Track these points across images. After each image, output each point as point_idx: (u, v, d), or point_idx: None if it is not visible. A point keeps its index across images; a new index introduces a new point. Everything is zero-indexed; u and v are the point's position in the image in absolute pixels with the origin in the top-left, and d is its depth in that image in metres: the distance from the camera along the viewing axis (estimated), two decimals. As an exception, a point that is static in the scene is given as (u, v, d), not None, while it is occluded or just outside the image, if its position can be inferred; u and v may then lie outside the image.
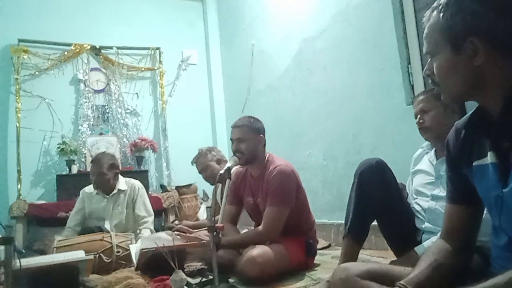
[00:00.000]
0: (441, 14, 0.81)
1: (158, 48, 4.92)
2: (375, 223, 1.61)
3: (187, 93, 5.05)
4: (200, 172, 3.06)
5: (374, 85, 2.75)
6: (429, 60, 0.88)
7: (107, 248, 2.36)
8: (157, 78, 4.96)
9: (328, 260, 2.35)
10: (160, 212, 4.12)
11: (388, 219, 1.60)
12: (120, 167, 3.15)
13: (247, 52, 4.48)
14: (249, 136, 2.18)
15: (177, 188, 4.48)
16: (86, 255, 2.07)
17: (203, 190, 4.39)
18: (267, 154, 2.25)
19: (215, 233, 1.63)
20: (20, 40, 4.30)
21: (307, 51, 3.49)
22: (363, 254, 2.07)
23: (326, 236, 3.02)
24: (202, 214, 3.39)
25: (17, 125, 4.16)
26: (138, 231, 2.85)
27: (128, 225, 2.94)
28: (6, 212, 3.91)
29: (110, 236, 2.44)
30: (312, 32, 3.41)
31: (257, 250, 1.92)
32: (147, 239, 2.18)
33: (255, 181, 2.25)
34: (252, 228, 2.31)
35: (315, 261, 2.25)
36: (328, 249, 2.81)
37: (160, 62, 4.93)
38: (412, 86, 2.50)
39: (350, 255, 1.50)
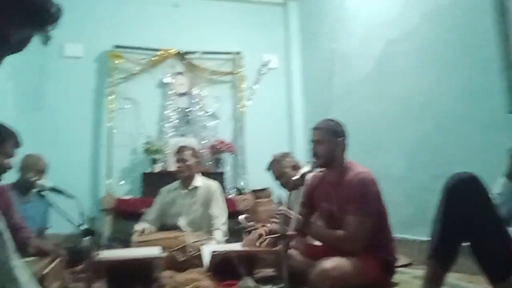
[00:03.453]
0: None
1: (238, 53, 5.01)
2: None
3: (265, 98, 5.07)
4: (276, 179, 3.01)
5: (467, 90, 2.49)
6: None
7: (181, 246, 2.42)
8: (237, 82, 5.05)
9: (409, 280, 2.16)
10: (234, 214, 4.16)
11: (481, 242, 1.40)
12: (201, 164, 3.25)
13: (328, 56, 4.36)
14: (328, 138, 2.09)
15: (253, 191, 4.50)
16: (161, 253, 2.13)
17: (278, 196, 4.35)
18: (346, 160, 2.14)
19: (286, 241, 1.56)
20: (115, 46, 4.64)
21: (391, 54, 3.29)
22: (450, 277, 1.86)
23: (406, 253, 2.79)
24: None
25: (108, 124, 4.49)
26: (211, 231, 2.89)
27: (202, 223, 3.00)
28: (97, 205, 4.27)
29: (184, 235, 2.50)
30: (397, 33, 3.21)
31: (331, 263, 1.81)
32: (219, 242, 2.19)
33: (331, 186, 2.14)
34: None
35: (393, 280, 2.08)
36: (409, 267, 2.60)
37: (241, 66, 5.00)
38: (515, 92, 2.21)
39: (435, 280, 1.35)
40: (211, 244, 2.51)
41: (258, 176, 4.37)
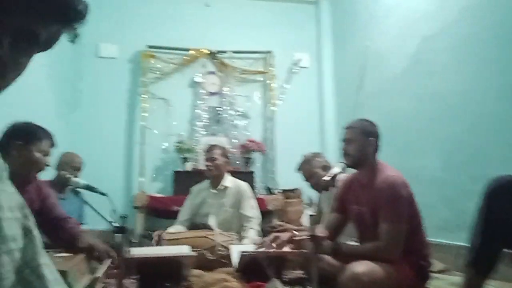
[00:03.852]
0: None
1: (269, 52, 4.99)
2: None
3: (296, 97, 5.03)
4: (306, 180, 2.96)
5: (506, 88, 2.36)
6: None
7: (211, 245, 2.42)
8: (267, 81, 5.03)
9: (445, 287, 2.07)
10: (264, 214, 4.15)
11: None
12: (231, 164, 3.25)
13: (360, 54, 4.27)
14: (359, 137, 2.04)
15: (283, 191, 4.47)
16: (190, 250, 2.15)
17: (309, 196, 4.31)
18: (378, 161, 2.08)
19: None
20: (148, 46, 4.72)
21: (427, 51, 3.18)
22: (489, 285, 1.77)
23: (443, 258, 2.68)
24: (305, 221, 3.31)
25: (142, 123, 4.58)
26: (243, 230, 2.88)
27: (232, 224, 3.00)
28: (130, 202, 4.37)
29: (214, 234, 2.50)
30: (433, 29, 3.09)
31: (363, 267, 1.76)
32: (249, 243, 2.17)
33: (361, 188, 2.09)
34: (356, 239, 2.16)
35: (428, 286, 2.00)
36: (445, 273, 2.50)
37: (271, 65, 4.98)
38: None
39: (473, 288, 1.28)
40: (241, 244, 2.51)
41: (288, 175, 4.33)
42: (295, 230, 2.91)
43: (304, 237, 2.02)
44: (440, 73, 3.00)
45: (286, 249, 2.10)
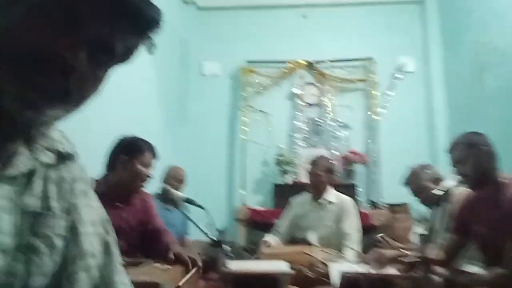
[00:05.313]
0: None
1: (370, 58, 4.75)
2: None
3: (401, 104, 4.69)
4: (414, 195, 2.69)
5: None
6: None
7: (309, 262, 2.31)
8: (369, 89, 4.78)
9: None
10: (367, 228, 3.90)
11: None
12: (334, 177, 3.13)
13: (475, 54, 3.82)
14: (467, 154, 1.78)
15: (389, 205, 4.17)
16: (288, 267, 2.07)
17: (418, 212, 3.95)
18: (502, 175, 1.78)
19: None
20: (248, 62, 4.85)
21: None
22: None
23: None
24: (414, 239, 3.01)
25: (242, 137, 4.69)
26: (342, 249, 2.72)
27: (333, 240, 2.85)
28: (232, 214, 4.47)
29: (313, 250, 2.39)
30: None
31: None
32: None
33: (484, 206, 1.81)
34: (479, 264, 1.87)
35: None
36: None
37: (373, 72, 4.73)
38: None
39: None
40: (341, 263, 2.35)
41: (393, 189, 4.01)
42: (402, 249, 2.66)
43: (414, 258, 1.81)
44: None
45: (391, 270, 1.90)
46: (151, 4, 0.57)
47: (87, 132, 2.38)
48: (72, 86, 0.52)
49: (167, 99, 4.40)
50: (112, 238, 0.65)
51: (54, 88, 0.50)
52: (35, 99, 0.49)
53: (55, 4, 0.50)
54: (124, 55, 0.60)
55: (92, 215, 0.64)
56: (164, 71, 4.22)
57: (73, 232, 0.60)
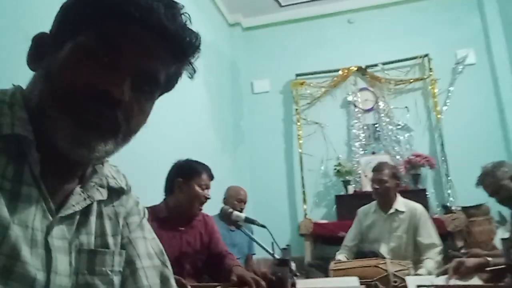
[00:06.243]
0: None
1: (426, 55, 4.52)
2: None
3: (465, 99, 4.39)
4: (491, 195, 2.48)
5: None
6: None
7: (383, 276, 2.19)
8: (428, 87, 4.54)
9: None
10: (443, 236, 3.64)
11: None
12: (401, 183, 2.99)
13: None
14: None
15: (464, 209, 3.88)
16: (361, 282, 1.97)
17: (499, 212, 3.64)
18: None
19: None
20: (297, 75, 4.83)
21: None
22: None
23: None
24: (498, 243, 2.75)
25: (299, 151, 4.64)
26: (418, 261, 2.55)
27: (406, 252, 2.69)
28: (295, 230, 4.40)
29: (386, 263, 2.26)
30: None
31: None
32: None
33: None
34: None
35: None
36: None
37: (430, 69, 4.49)
38: None
39: None
40: (418, 275, 2.21)
41: (466, 190, 3.76)
42: (486, 255, 2.44)
43: (500, 265, 1.64)
44: None
45: (475, 281, 1.74)
46: (189, 29, 0.56)
47: (145, 160, 2.46)
48: (120, 119, 0.52)
49: (221, 120, 4.48)
50: (170, 270, 0.65)
51: (104, 123, 0.51)
52: (86, 136, 0.50)
53: (100, 41, 0.52)
54: (167, 83, 0.60)
55: (148, 248, 0.63)
56: (216, 94, 4.31)
57: (130, 267, 0.59)
